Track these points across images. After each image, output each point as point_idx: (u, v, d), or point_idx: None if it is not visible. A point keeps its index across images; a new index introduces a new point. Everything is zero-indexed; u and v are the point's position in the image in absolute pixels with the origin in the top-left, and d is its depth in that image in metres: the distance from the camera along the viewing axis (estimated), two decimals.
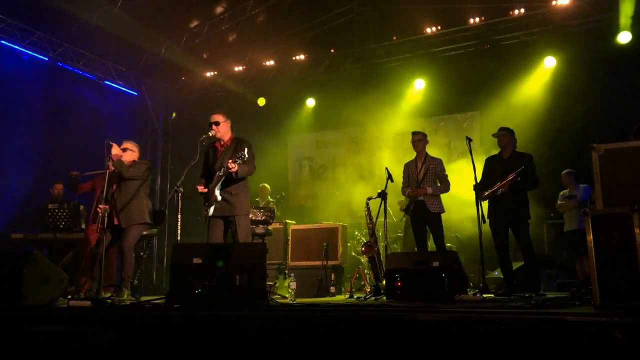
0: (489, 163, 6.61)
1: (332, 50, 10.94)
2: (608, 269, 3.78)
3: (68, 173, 7.71)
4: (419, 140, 7.01)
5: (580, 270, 7.28)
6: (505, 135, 6.47)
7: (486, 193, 6.23)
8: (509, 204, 6.15)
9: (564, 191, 7.69)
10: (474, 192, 6.33)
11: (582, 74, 8.79)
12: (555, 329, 3.12)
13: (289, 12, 10.47)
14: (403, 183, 7.13)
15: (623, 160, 4.20)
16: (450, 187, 6.93)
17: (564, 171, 7.69)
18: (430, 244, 7.30)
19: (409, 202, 6.96)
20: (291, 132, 11.93)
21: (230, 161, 5.44)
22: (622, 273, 3.73)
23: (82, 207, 7.95)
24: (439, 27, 9.97)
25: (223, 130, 5.81)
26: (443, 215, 6.93)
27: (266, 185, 9.70)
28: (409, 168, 7.09)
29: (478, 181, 6.37)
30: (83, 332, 4.10)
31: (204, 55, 11.49)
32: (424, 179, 6.83)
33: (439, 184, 6.90)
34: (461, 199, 7.49)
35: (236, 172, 5.45)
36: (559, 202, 7.67)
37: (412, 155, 7.14)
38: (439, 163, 6.97)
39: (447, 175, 6.95)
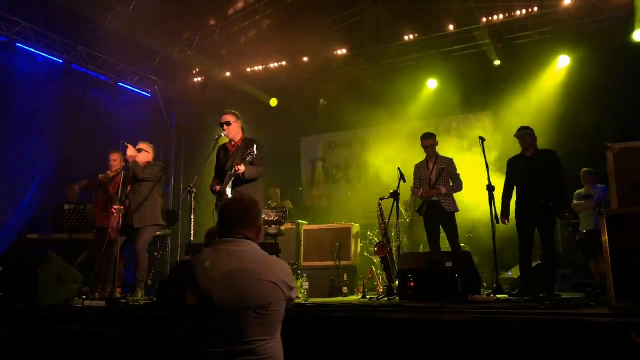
0: (514, 164, 6.45)
1: (344, 51, 10.94)
2: (624, 269, 3.74)
3: (80, 180, 7.74)
4: (426, 146, 6.99)
5: (596, 270, 7.20)
6: (527, 134, 6.36)
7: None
8: (538, 202, 6.01)
9: (580, 190, 7.59)
10: (487, 192, 6.27)
11: (597, 73, 8.69)
12: (570, 330, 3.09)
13: (301, 12, 10.47)
14: (414, 184, 7.12)
15: (638, 160, 4.15)
16: (464, 188, 6.92)
17: (584, 169, 7.57)
18: (443, 245, 7.23)
19: (422, 204, 6.92)
20: (304, 133, 11.95)
21: (237, 163, 5.46)
22: (638, 273, 3.69)
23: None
24: (452, 27, 9.92)
25: (234, 130, 5.83)
26: (456, 215, 6.89)
27: (277, 189, 9.71)
28: (420, 169, 7.07)
29: (491, 181, 6.31)
30: (98, 332, 4.14)
31: (216, 57, 11.53)
32: (438, 179, 6.81)
33: (451, 184, 6.88)
34: (474, 199, 7.45)
35: (243, 174, 5.47)
36: (574, 201, 7.57)
37: (425, 155, 7.11)
38: (450, 163, 6.95)
39: (459, 175, 6.92)
